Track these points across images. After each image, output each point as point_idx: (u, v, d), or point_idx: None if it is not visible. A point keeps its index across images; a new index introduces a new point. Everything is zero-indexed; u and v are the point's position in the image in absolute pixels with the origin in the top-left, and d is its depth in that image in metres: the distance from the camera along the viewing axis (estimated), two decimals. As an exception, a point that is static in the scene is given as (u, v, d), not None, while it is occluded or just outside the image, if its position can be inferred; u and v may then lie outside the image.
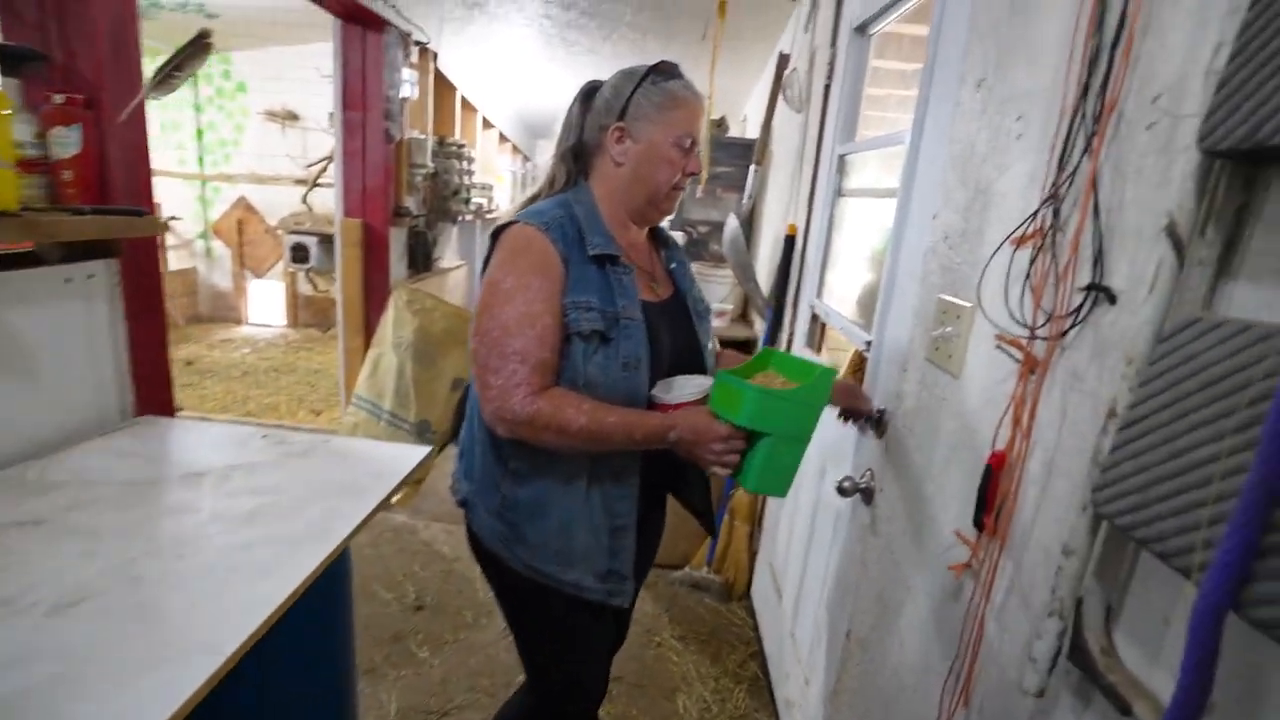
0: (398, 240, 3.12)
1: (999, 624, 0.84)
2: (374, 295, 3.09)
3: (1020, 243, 0.83)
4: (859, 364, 1.71)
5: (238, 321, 6.77)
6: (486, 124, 5.30)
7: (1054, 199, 0.77)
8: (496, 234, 1.08)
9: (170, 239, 6.66)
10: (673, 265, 1.27)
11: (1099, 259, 0.71)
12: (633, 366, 1.06)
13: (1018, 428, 0.83)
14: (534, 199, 1.16)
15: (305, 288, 6.61)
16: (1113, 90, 0.70)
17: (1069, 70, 0.78)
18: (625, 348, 1.06)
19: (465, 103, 4.45)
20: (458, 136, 4.10)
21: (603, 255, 1.07)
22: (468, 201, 4.02)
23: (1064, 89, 0.79)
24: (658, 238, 1.29)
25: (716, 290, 2.91)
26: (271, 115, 6.31)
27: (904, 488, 1.19)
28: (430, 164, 3.37)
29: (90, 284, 1.34)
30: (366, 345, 3.09)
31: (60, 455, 1.24)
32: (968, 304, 1.01)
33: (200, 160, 6.46)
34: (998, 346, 0.86)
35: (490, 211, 5.17)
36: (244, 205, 6.60)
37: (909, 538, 1.14)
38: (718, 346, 1.31)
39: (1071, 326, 0.74)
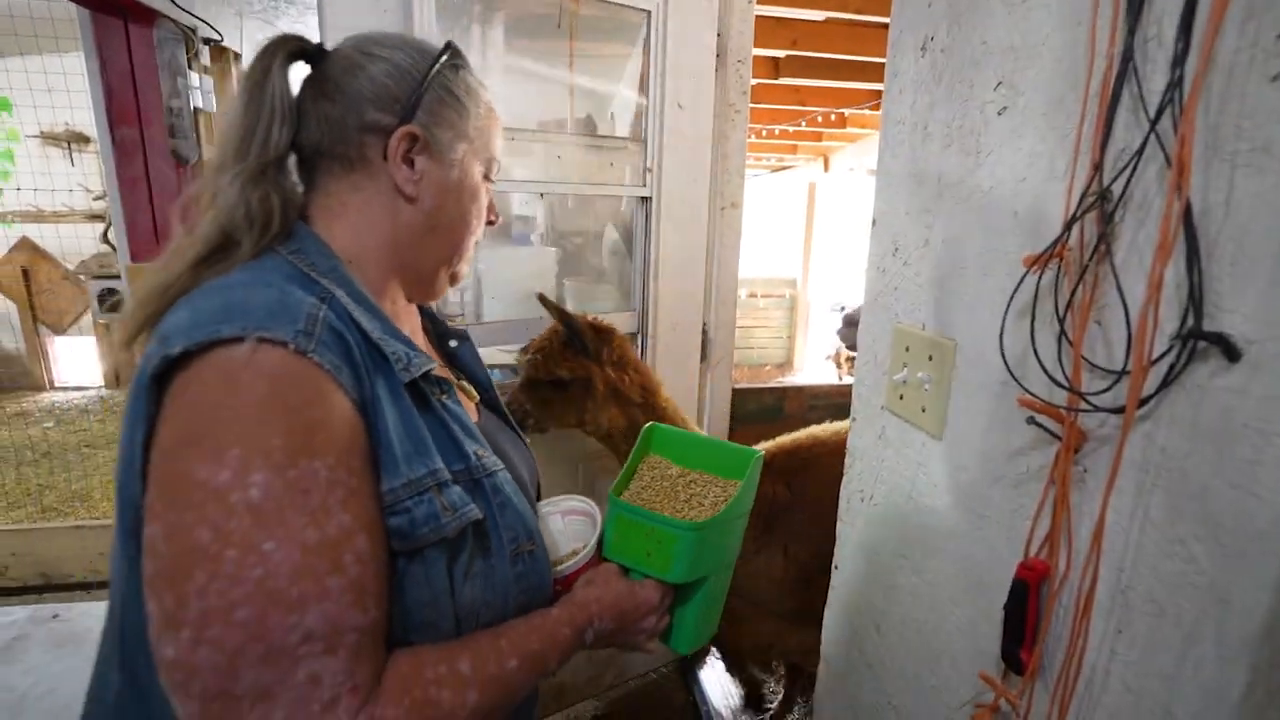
0: (209, 283, 2.55)
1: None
2: (184, 353, 2.50)
3: (1038, 262, 0.57)
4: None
5: (36, 388, 5.65)
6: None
7: (1103, 198, 0.51)
8: (166, 374, 0.50)
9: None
10: (453, 344, 0.82)
11: (1196, 291, 0.45)
12: (525, 550, 0.66)
13: (1061, 527, 0.57)
14: (207, 264, 0.58)
15: (122, 339, 5.62)
16: (1205, 30, 0.44)
17: (1094, 7, 0.52)
18: (508, 525, 0.64)
19: (290, 113, 3.84)
20: (283, 152, 3.51)
21: (420, 376, 0.60)
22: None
23: (1091, 31, 0.52)
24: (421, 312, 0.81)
25: (601, 306, 2.59)
26: (51, 138, 5.29)
27: (877, 593, 0.92)
28: (245, 187, 2.80)
29: None
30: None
31: None
32: (946, 340, 0.74)
33: (-41, 198, 5.30)
34: (1030, 419, 0.59)
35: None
36: (28, 248, 5.50)
37: (893, 676, 0.87)
38: None
39: (1157, 391, 0.48)
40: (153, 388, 0.50)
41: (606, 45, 2.27)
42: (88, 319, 5.66)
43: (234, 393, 0.49)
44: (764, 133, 5.55)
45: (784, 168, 7.79)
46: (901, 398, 0.83)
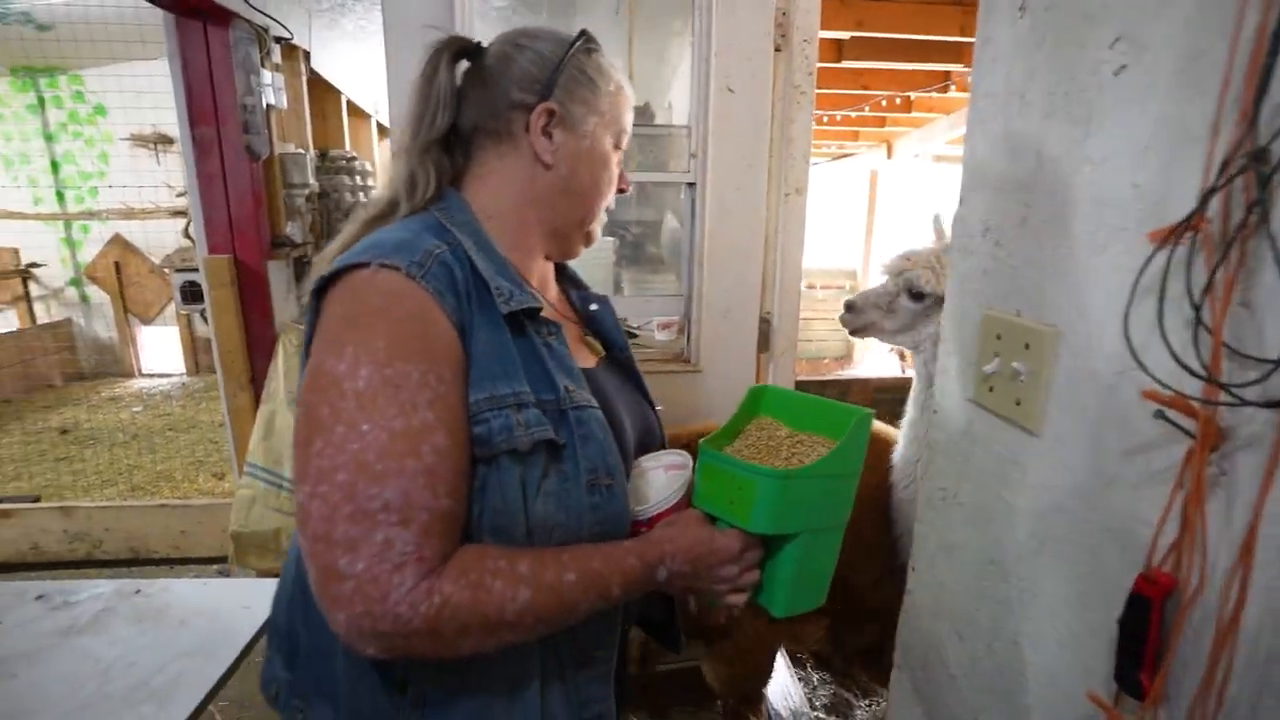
0: (279, 275, 2.64)
1: None
2: (257, 342, 2.61)
3: (1169, 238, 0.50)
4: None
5: (127, 375, 6.02)
6: (383, 131, 4.77)
7: (1257, 160, 0.44)
8: (322, 290, 0.65)
9: (34, 289, 5.86)
10: (593, 308, 0.89)
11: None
12: (603, 484, 0.69)
13: (1190, 537, 0.51)
14: (376, 222, 0.73)
15: (203, 329, 5.92)
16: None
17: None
18: (587, 456, 0.68)
19: (353, 108, 3.95)
20: (347, 148, 3.61)
21: (520, 311, 0.68)
22: (369, 220, 3.53)
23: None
24: (563, 274, 0.91)
25: (655, 304, 2.56)
26: (140, 140, 5.60)
27: (960, 598, 0.86)
28: (313, 182, 2.89)
29: None
30: (256, 401, 2.61)
31: None
32: (1045, 327, 0.68)
33: (60, 197, 5.68)
34: (1159, 414, 0.53)
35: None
36: (120, 244, 5.86)
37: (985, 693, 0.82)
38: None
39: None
40: (313, 301, 0.65)
41: (664, 30, 2.22)
42: (171, 309, 5.99)
43: (355, 303, 0.62)
44: (824, 119, 5.39)
45: (844, 155, 7.57)
46: (991, 390, 0.77)
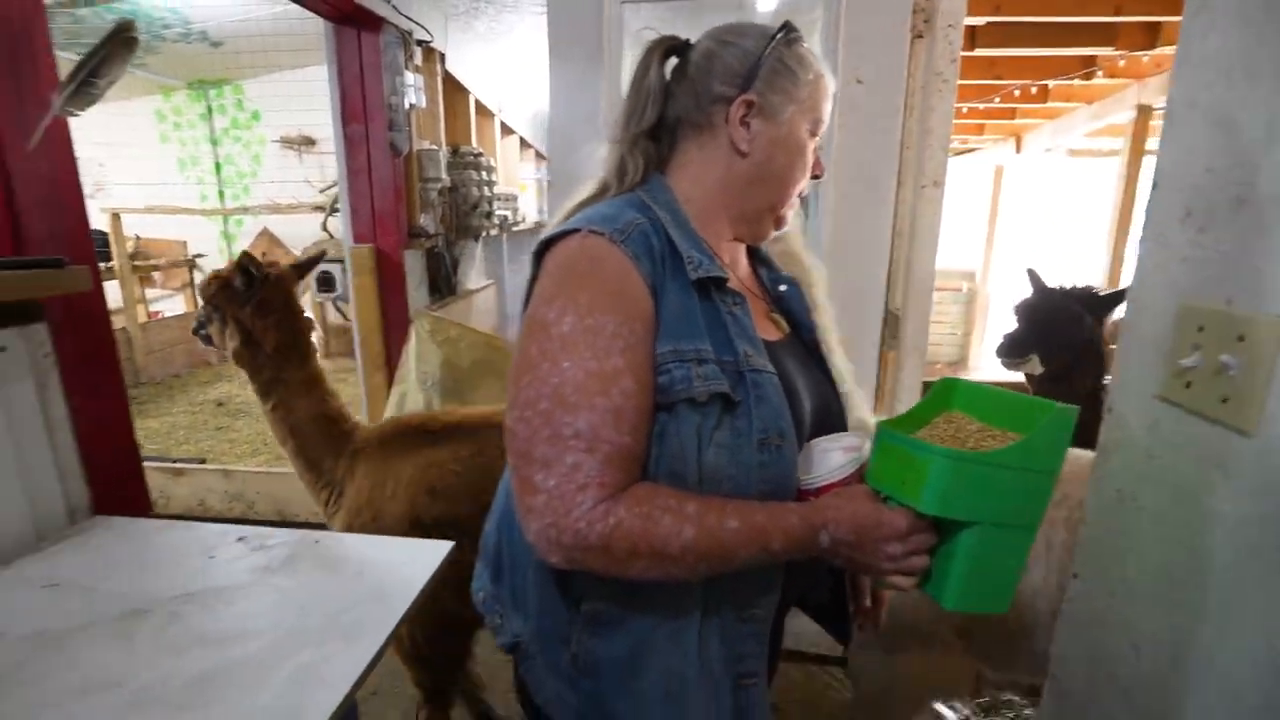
0: (415, 264, 2.83)
1: None
2: (393, 326, 2.81)
3: None
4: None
5: (270, 355, 6.64)
6: (505, 129, 4.99)
7: None
8: (542, 251, 0.75)
9: (198, 277, 6.57)
10: (782, 288, 0.92)
11: None
12: (773, 444, 0.72)
13: None
14: (589, 202, 0.82)
15: (335, 317, 6.44)
16: None
17: None
18: (760, 416, 0.72)
19: (480, 107, 4.15)
20: (474, 145, 3.80)
21: (708, 279, 0.73)
22: (490, 215, 3.71)
23: None
24: (755, 255, 0.94)
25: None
26: (287, 142, 6.16)
27: (1138, 608, 0.80)
28: (445, 177, 3.07)
29: (4, 359, 1.04)
30: (389, 382, 2.81)
31: (-28, 591, 0.95)
32: (1270, 318, 0.62)
33: (220, 194, 6.34)
34: None
35: (516, 224, 4.86)
36: (267, 237, 6.46)
37: None
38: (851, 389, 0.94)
39: None
40: (533, 263, 0.75)
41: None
42: (308, 297, 6.55)
43: (566, 263, 0.71)
44: (948, 111, 5.12)
45: (967, 150, 7.16)
46: (1189, 386, 0.71)
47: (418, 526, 1.46)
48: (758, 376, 0.72)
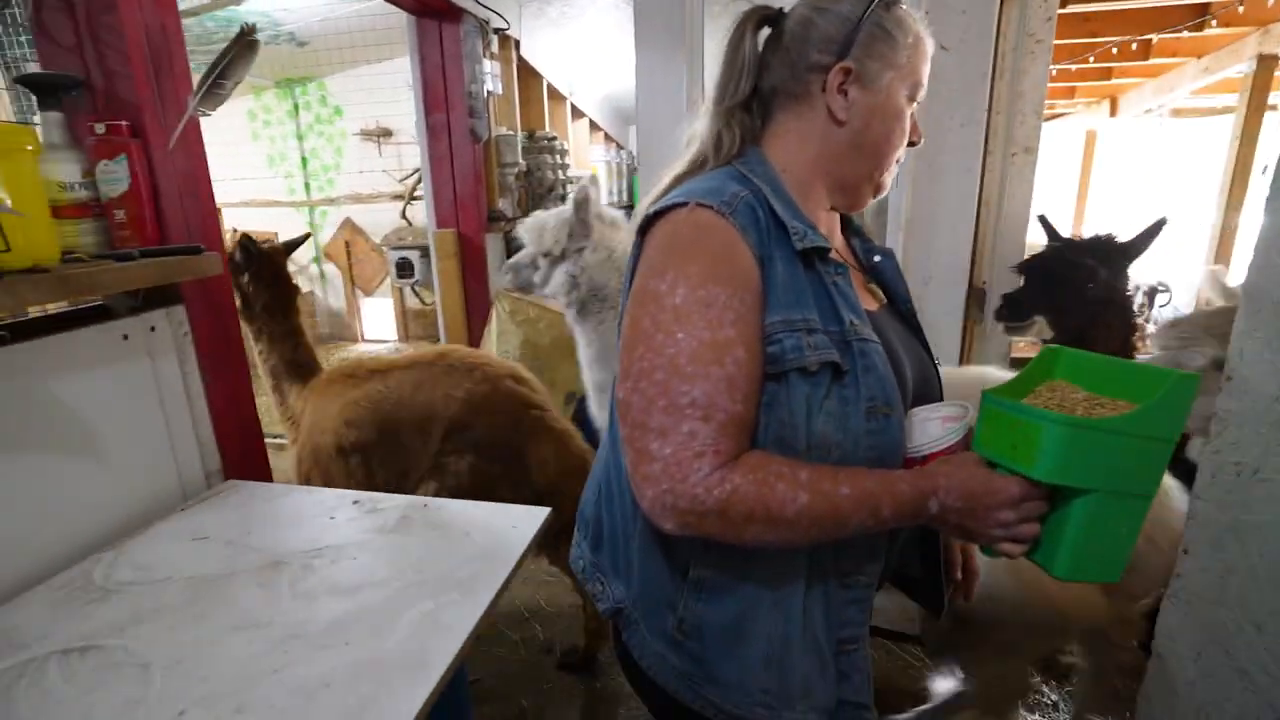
0: (494, 247, 2.93)
1: None
2: (475, 308, 2.92)
3: None
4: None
5: (354, 339, 6.99)
6: (576, 113, 5.05)
7: None
8: (647, 226, 0.75)
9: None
10: (876, 259, 0.91)
11: None
12: (881, 412, 0.72)
13: None
14: (686, 176, 0.81)
15: (412, 301, 6.71)
16: None
17: None
18: (868, 384, 0.72)
19: (552, 91, 4.21)
20: (547, 129, 3.87)
21: (812, 249, 0.73)
22: (564, 198, 3.79)
23: None
24: (848, 225, 0.93)
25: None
26: (367, 134, 6.41)
27: (1260, 585, 0.77)
28: (521, 161, 3.14)
29: (152, 338, 1.17)
30: (471, 361, 2.93)
31: (133, 542, 1.07)
32: None
33: (307, 187, 6.68)
34: None
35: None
36: (350, 226, 6.77)
37: None
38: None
39: None
40: (638, 237, 0.76)
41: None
42: (388, 283, 6.85)
43: (675, 235, 0.72)
44: (1035, 75, 4.83)
45: (1055, 115, 6.74)
46: (1323, 353, 0.68)
47: (341, 453, 1.73)
48: (864, 346, 0.72)
